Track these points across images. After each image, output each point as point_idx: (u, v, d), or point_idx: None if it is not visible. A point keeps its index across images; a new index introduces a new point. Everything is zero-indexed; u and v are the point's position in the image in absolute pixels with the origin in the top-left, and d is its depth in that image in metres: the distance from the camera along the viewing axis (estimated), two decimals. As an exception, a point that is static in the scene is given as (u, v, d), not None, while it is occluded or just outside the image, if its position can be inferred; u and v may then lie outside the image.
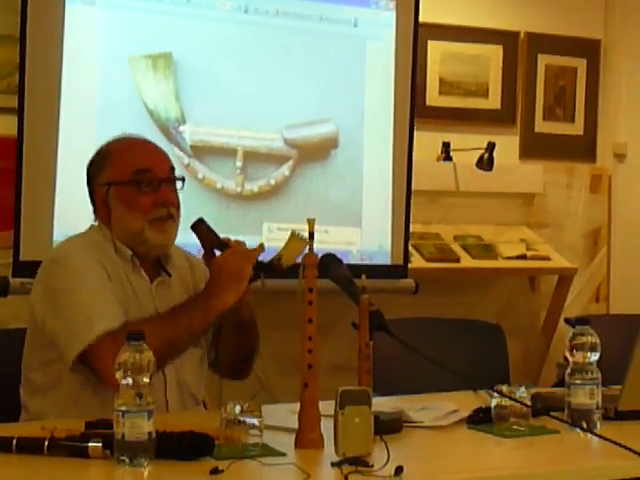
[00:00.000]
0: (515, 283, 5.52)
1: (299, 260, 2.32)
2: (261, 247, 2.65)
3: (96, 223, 2.73)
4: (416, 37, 4.73)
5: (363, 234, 4.60)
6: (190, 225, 2.68)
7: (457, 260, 5.05)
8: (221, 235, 2.69)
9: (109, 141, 2.78)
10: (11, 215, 3.98)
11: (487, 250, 5.20)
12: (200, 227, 2.67)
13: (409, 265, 4.73)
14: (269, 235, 4.41)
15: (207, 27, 4.34)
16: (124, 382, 1.98)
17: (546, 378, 5.31)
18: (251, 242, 4.27)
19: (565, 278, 5.37)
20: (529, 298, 5.56)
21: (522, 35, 5.52)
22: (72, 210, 4.04)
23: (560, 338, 5.40)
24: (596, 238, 5.77)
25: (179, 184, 2.71)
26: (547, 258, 5.31)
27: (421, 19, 4.76)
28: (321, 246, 4.56)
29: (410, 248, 4.78)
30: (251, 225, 4.40)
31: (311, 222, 2.23)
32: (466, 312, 5.10)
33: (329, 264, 2.47)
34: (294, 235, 2.47)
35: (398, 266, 4.66)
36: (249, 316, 2.76)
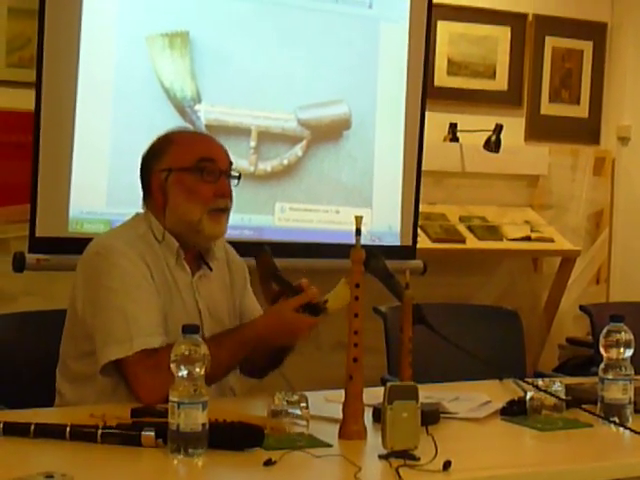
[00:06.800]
0: (519, 264, 5.57)
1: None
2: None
3: (142, 211, 2.71)
4: (430, 18, 4.75)
5: (373, 215, 4.63)
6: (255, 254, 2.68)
7: (463, 241, 5.10)
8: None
9: (171, 130, 2.77)
10: (28, 189, 3.97)
11: (492, 231, 5.24)
12: (263, 257, 2.64)
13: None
14: (281, 215, 4.44)
15: (223, 6, 4.33)
16: (179, 374, 2.01)
17: (547, 359, 5.38)
18: (264, 221, 4.36)
19: (568, 260, 5.42)
20: (532, 279, 5.61)
21: (530, 17, 5.56)
22: (88, 187, 4.06)
23: (561, 319, 5.47)
24: (598, 220, 5.83)
25: (234, 181, 2.71)
26: (551, 240, 5.36)
27: (434, 0, 4.77)
28: (331, 226, 4.62)
29: (416, 228, 4.81)
30: (264, 204, 4.42)
31: (358, 219, 2.24)
32: (470, 292, 5.16)
33: (369, 258, 2.48)
34: (345, 283, 2.39)
35: (407, 247, 4.70)
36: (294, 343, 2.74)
